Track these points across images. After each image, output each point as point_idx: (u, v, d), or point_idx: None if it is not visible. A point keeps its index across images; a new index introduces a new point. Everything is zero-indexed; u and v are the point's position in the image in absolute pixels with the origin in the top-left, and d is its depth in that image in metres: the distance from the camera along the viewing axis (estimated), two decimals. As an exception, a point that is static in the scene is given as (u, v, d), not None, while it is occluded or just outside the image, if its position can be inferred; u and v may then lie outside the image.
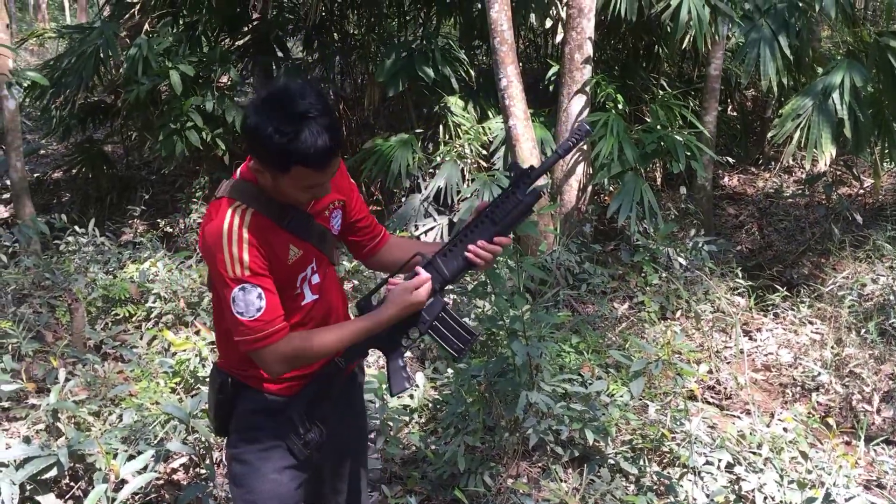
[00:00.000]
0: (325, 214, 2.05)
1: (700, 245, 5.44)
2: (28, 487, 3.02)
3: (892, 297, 4.89)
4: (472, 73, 7.13)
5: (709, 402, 4.15)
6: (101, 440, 3.17)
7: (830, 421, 3.65)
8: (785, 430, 3.62)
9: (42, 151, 9.76)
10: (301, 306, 2.00)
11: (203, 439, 3.36)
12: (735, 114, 8.70)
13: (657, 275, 5.11)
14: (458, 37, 8.16)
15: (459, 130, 6.75)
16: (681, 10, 5.59)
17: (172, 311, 4.89)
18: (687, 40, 5.94)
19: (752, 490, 3.14)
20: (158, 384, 3.88)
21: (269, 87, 1.80)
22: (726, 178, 8.14)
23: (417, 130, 7.08)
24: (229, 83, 7.38)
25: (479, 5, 7.10)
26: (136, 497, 3.23)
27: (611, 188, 6.69)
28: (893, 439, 3.77)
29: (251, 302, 1.82)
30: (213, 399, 2.08)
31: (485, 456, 3.41)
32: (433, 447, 3.47)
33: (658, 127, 5.94)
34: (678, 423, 3.52)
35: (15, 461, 2.99)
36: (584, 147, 5.92)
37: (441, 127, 6.87)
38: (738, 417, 3.93)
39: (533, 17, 7.05)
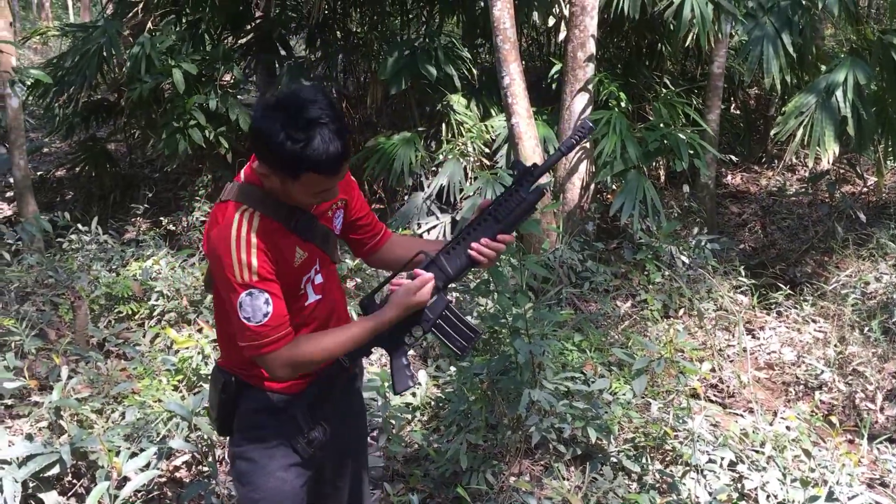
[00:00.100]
0: (328, 215, 2.05)
1: (703, 243, 5.44)
2: (31, 485, 3.03)
3: (895, 296, 4.88)
4: (475, 71, 7.13)
5: (711, 401, 4.15)
6: (104, 438, 3.18)
7: (833, 419, 3.64)
8: (788, 428, 3.61)
9: (45, 149, 9.77)
10: (304, 307, 2.00)
11: (205, 437, 3.37)
12: (738, 112, 8.68)
13: (660, 273, 5.10)
14: (461, 35, 8.14)
15: (462, 128, 6.75)
16: (684, 8, 5.58)
17: (175, 308, 4.90)
18: (690, 38, 5.93)
19: (755, 488, 3.14)
20: (161, 382, 3.88)
21: (278, 92, 1.79)
22: (729, 177, 8.13)
23: (420, 128, 7.07)
24: (232, 81, 7.38)
25: (482, 3, 7.10)
26: (139, 494, 3.24)
27: (614, 186, 6.69)
28: (897, 438, 3.76)
29: (258, 307, 1.82)
30: (215, 398, 2.08)
31: (487, 454, 3.41)
32: (435, 445, 3.47)
33: (661, 125, 5.93)
34: (681, 421, 3.52)
35: (18, 458, 3.00)
36: (587, 145, 5.91)
37: (444, 125, 6.86)
38: (741, 416, 3.92)
39: (536, 14, 7.04)
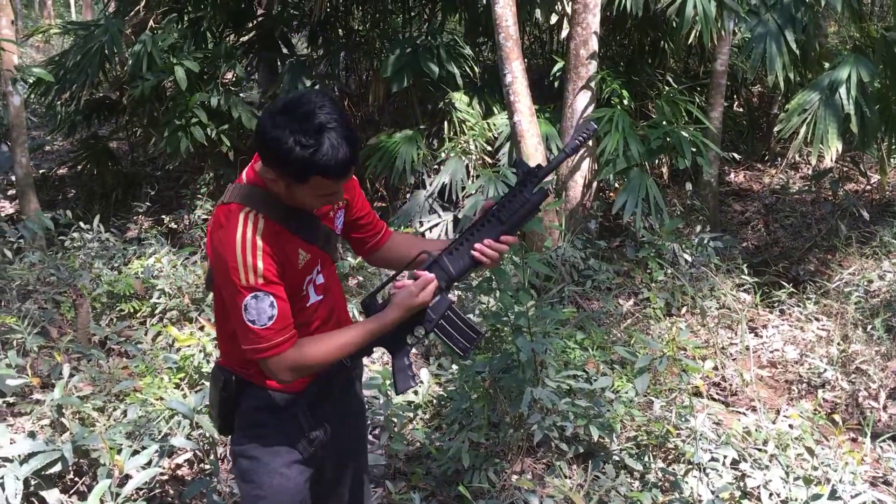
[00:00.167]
0: (329, 215, 2.05)
1: (706, 241, 5.42)
2: (32, 482, 3.03)
3: (898, 294, 4.87)
4: (477, 69, 7.12)
5: (714, 399, 4.14)
6: (106, 435, 3.18)
7: (836, 418, 3.63)
8: (791, 426, 3.61)
9: (47, 147, 9.78)
10: (306, 307, 2.00)
11: (207, 435, 3.36)
12: (741, 110, 8.66)
13: (662, 271, 5.09)
14: (463, 33, 8.13)
15: (464, 126, 6.74)
16: (686, 6, 5.56)
17: (177, 306, 4.90)
18: (693, 36, 5.91)
19: (758, 487, 3.13)
20: (163, 380, 3.88)
21: (284, 97, 1.79)
22: (732, 175, 8.12)
23: (422, 126, 7.06)
24: (234, 79, 7.38)
25: (484, 1, 7.09)
26: (141, 492, 3.23)
27: (616, 184, 6.67)
28: (900, 436, 3.75)
29: (263, 310, 1.82)
30: (216, 397, 2.08)
31: (489, 452, 3.40)
32: (437, 443, 3.47)
33: (664, 123, 5.92)
34: (683, 419, 3.51)
35: (19, 456, 3.00)
36: (590, 143, 5.90)
37: (446, 123, 6.86)
38: (744, 414, 3.92)
39: (538, 12, 7.02)
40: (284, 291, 1.87)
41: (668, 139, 5.76)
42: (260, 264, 1.80)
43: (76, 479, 3.26)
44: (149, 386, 3.74)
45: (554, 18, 7.05)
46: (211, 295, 2.00)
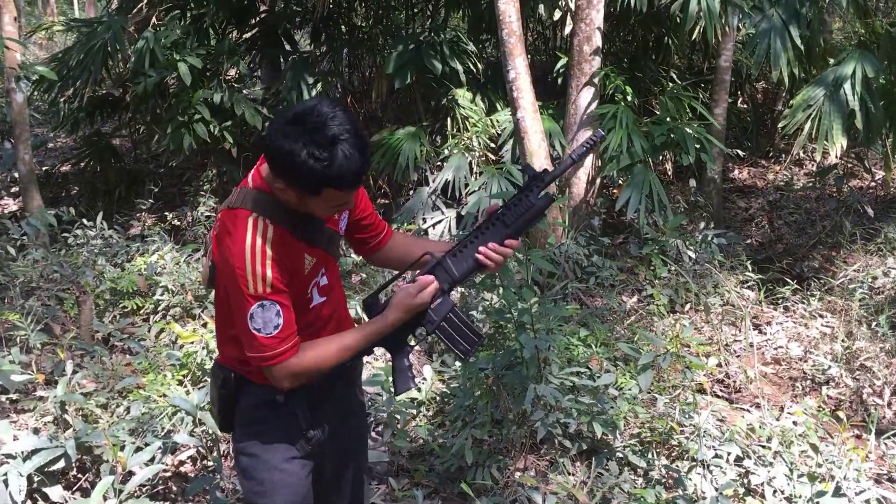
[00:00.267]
0: (334, 217, 2.05)
1: (710, 238, 5.41)
2: (36, 479, 3.03)
3: (903, 291, 4.86)
4: (480, 65, 7.10)
5: (718, 396, 4.13)
6: (109, 432, 3.18)
7: (841, 414, 3.62)
8: (795, 423, 3.59)
9: (50, 144, 9.78)
10: (310, 309, 2.00)
11: (210, 432, 3.36)
12: (745, 106, 8.64)
13: (666, 268, 5.08)
14: (466, 29, 8.12)
15: (467, 123, 6.73)
16: (690, 2, 5.54)
17: (180, 303, 4.90)
18: (697, 31, 5.89)
19: (762, 483, 3.12)
20: (166, 376, 3.88)
21: (293, 107, 1.77)
22: (736, 171, 8.10)
23: (425, 123, 7.05)
24: (237, 76, 7.38)
25: (488, -3, 7.07)
26: (144, 489, 3.24)
27: (620, 181, 6.66)
28: (905, 433, 3.74)
29: (269, 319, 1.82)
30: (215, 395, 2.08)
31: (492, 449, 3.40)
32: (440, 440, 3.47)
33: (667, 119, 5.90)
34: (687, 416, 3.50)
35: (23, 453, 3.00)
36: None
37: (449, 119, 6.84)
38: (748, 411, 3.91)
39: (542, 8, 7.01)
40: (290, 299, 1.87)
41: (671, 135, 5.74)
42: (269, 273, 1.80)
43: (79, 475, 3.26)
44: (152, 383, 3.74)
45: (557, 14, 7.03)
46: (213, 292, 1.99)
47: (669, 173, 7.19)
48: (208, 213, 6.60)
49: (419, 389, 3.79)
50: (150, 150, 8.42)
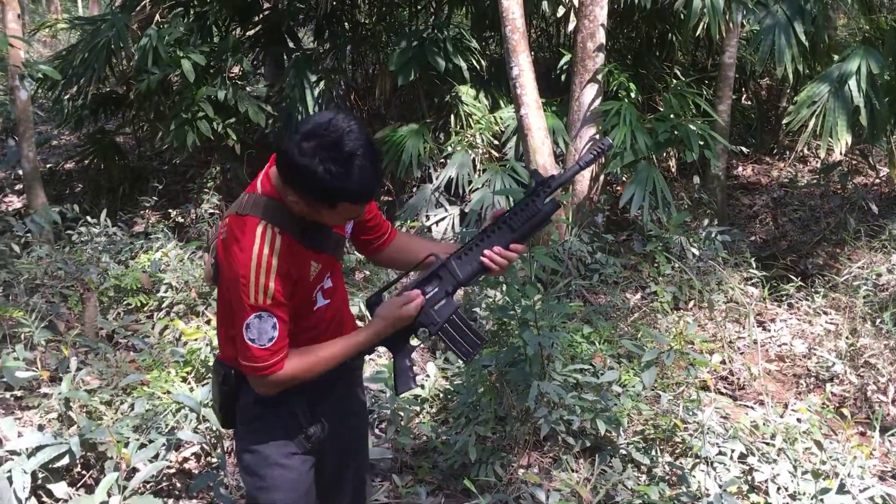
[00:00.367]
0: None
1: (713, 235, 5.40)
2: (40, 475, 3.04)
3: (908, 287, 4.84)
4: (484, 62, 7.09)
5: (722, 393, 4.13)
6: (113, 429, 3.18)
7: (845, 411, 3.62)
8: (799, 420, 3.59)
9: (54, 142, 9.79)
10: (314, 311, 2.01)
11: (214, 428, 3.37)
12: (749, 103, 8.62)
13: (670, 265, 5.07)
14: (470, 26, 8.11)
15: (471, 120, 6.72)
16: (694, -2, 5.53)
17: (184, 300, 4.90)
18: (701, 28, 5.87)
19: (766, 481, 3.12)
20: (170, 373, 3.89)
21: (308, 120, 1.76)
22: (740, 168, 8.08)
23: (428, 120, 7.05)
24: (241, 73, 7.38)
25: (491, -6, 7.06)
26: (148, 485, 3.24)
27: (623, 177, 6.65)
28: (909, 430, 3.73)
29: (265, 331, 1.84)
30: (216, 392, 2.09)
31: (496, 446, 3.40)
32: (444, 437, 3.47)
33: (671, 116, 5.89)
34: (691, 413, 3.50)
35: (27, 449, 3.01)
36: (597, 136, 5.88)
37: (452, 116, 6.84)
38: (752, 408, 3.90)
39: (545, 5, 6.99)
40: (288, 311, 1.88)
41: (675, 132, 5.73)
42: (272, 285, 1.81)
43: (83, 472, 3.27)
44: (156, 380, 3.75)
45: (561, 11, 7.02)
46: (216, 289, 1.99)
47: (673, 170, 7.18)
48: (212, 211, 6.61)
49: (422, 387, 3.79)
50: (154, 147, 8.42)
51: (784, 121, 6.16)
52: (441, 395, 3.83)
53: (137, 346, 4.38)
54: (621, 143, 5.56)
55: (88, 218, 5.95)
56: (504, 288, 3.47)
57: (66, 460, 3.04)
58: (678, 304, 4.95)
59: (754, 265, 5.37)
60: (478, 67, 6.92)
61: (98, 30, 6.98)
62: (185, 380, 3.91)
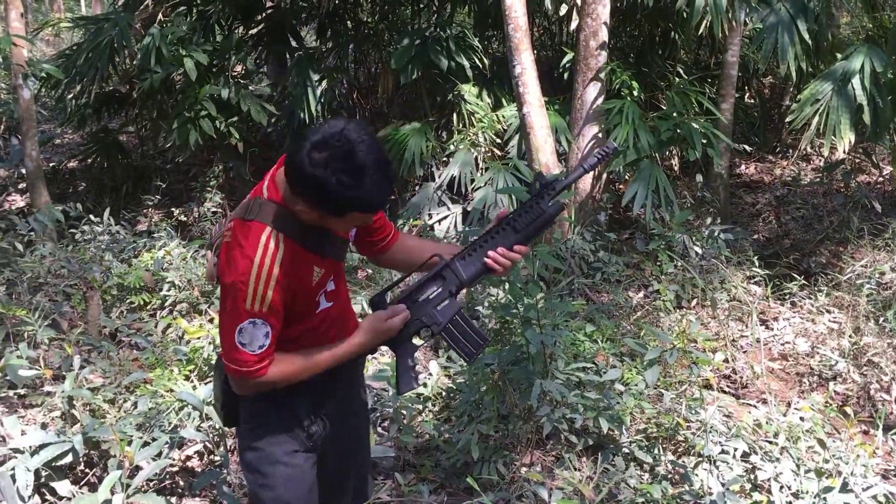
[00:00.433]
0: None
1: (716, 233, 5.39)
2: (43, 473, 3.05)
3: (911, 286, 4.83)
4: (486, 60, 7.09)
5: (724, 392, 4.12)
6: (116, 427, 3.19)
7: (848, 410, 3.61)
8: (802, 419, 3.58)
9: (57, 141, 9.81)
10: (316, 314, 2.01)
11: (217, 426, 3.37)
12: (752, 101, 8.60)
13: (673, 263, 5.07)
14: (472, 24, 8.11)
15: (473, 118, 6.72)
16: (697, -4, 5.52)
17: (187, 299, 4.91)
18: (703, 26, 5.87)
19: (769, 479, 3.11)
20: (173, 372, 3.89)
21: (319, 130, 1.75)
22: (743, 166, 8.07)
23: (431, 119, 7.05)
24: (244, 72, 7.38)
25: (493, -8, 7.05)
26: (151, 483, 3.25)
27: (626, 176, 6.64)
28: (912, 429, 3.72)
29: (257, 337, 1.84)
30: (219, 390, 2.10)
31: (498, 444, 3.40)
32: (447, 435, 3.47)
33: (674, 114, 5.88)
34: (693, 412, 3.50)
35: (31, 448, 3.02)
36: (600, 135, 5.87)
37: (455, 115, 6.84)
38: (755, 406, 3.90)
39: (548, 3, 6.98)
40: (282, 319, 1.89)
41: (678, 131, 5.72)
42: (270, 295, 1.81)
43: (87, 470, 3.27)
44: (159, 378, 3.76)
45: (564, 9, 7.01)
46: (220, 288, 1.99)
47: (676, 168, 7.17)
48: (215, 209, 6.61)
49: (425, 385, 3.79)
50: (157, 145, 8.44)
51: (787, 119, 6.15)
52: (444, 393, 3.83)
53: (140, 345, 4.39)
54: (624, 142, 5.55)
55: (91, 216, 5.96)
56: (507, 286, 3.46)
57: (69, 458, 3.05)
58: (681, 302, 4.95)
59: (757, 263, 5.36)
60: (480, 66, 6.92)
61: (101, 29, 6.99)
62: (187, 378, 3.91)
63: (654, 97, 7.11)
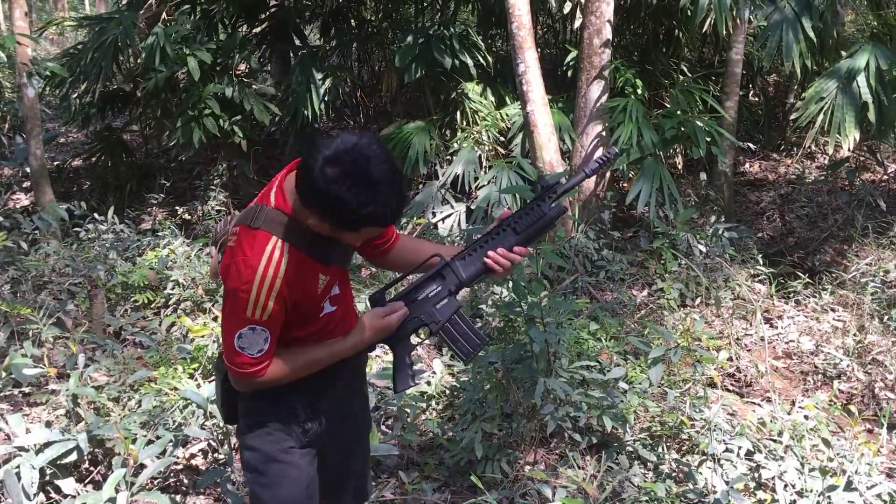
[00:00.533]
0: None
1: (720, 231, 5.38)
2: (48, 471, 3.05)
3: (916, 284, 4.82)
4: (490, 58, 7.09)
5: (729, 390, 4.12)
6: (121, 425, 3.20)
7: (852, 408, 3.60)
8: (806, 417, 3.58)
9: (62, 139, 9.83)
10: (320, 318, 2.01)
11: (221, 424, 3.38)
12: (757, 99, 8.59)
13: (677, 262, 5.06)
14: (476, 22, 8.11)
15: (477, 117, 6.72)
16: (701, -6, 5.51)
17: (191, 297, 4.92)
18: (708, 24, 5.85)
19: (773, 478, 3.11)
20: (177, 370, 3.90)
21: (333, 144, 1.73)
22: (747, 165, 8.06)
23: (434, 117, 7.05)
24: (247, 71, 7.39)
25: (497, -10, 7.05)
26: (155, 481, 3.25)
27: (630, 174, 6.64)
28: (917, 428, 3.71)
29: (256, 342, 1.86)
30: (219, 387, 2.11)
31: (502, 443, 3.40)
32: (450, 434, 3.47)
33: (678, 112, 5.87)
34: (697, 410, 3.49)
35: (35, 446, 3.02)
36: (604, 133, 5.87)
37: (458, 113, 6.84)
38: (759, 405, 3.89)
39: (551, 1, 6.99)
40: (279, 328, 1.90)
41: (682, 129, 5.71)
42: (271, 304, 1.82)
43: (91, 468, 3.28)
44: (163, 376, 3.76)
45: (567, 7, 7.00)
46: (223, 287, 1.99)
47: (680, 167, 7.16)
48: (219, 208, 6.62)
49: (428, 383, 3.80)
50: (161, 144, 8.46)
51: (791, 117, 6.15)
52: (447, 391, 3.83)
53: (145, 343, 4.39)
54: (628, 140, 5.55)
55: (96, 215, 5.97)
56: (510, 285, 3.46)
57: (73, 456, 3.06)
58: (685, 300, 4.95)
59: (761, 262, 5.35)
60: (484, 64, 6.92)
61: (105, 28, 7.00)
62: (192, 376, 3.92)
63: (658, 95, 7.10)
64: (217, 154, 7.29)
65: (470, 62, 6.66)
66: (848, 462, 3.17)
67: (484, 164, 6.52)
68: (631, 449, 3.36)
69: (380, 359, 4.19)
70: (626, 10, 7.00)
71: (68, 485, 3.08)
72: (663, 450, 3.33)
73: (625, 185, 6.87)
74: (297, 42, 7.93)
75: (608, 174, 6.02)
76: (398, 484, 3.28)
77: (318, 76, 7.09)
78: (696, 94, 6.13)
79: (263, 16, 8.03)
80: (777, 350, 4.58)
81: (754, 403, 3.94)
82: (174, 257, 5.25)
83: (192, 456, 3.50)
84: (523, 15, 5.59)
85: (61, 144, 9.75)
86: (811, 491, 2.98)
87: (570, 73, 6.58)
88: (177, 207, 6.95)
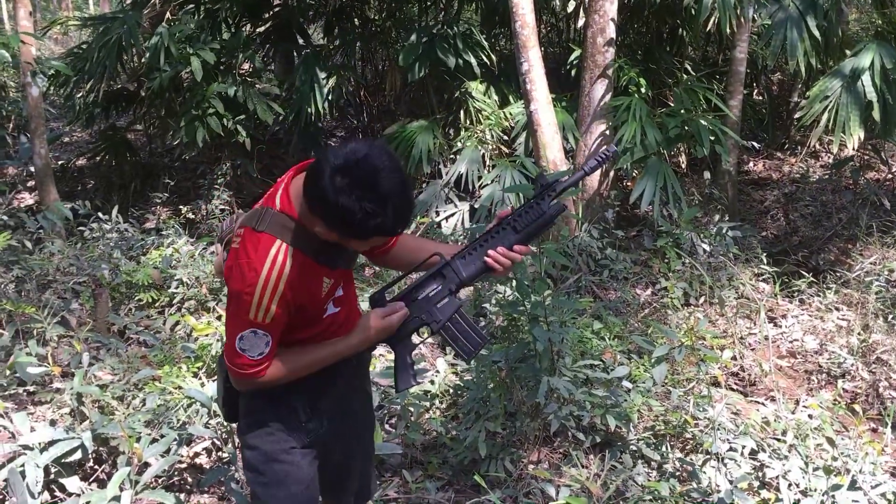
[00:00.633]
0: None
1: (724, 230, 5.38)
2: (53, 470, 3.06)
3: (921, 283, 4.81)
4: (494, 57, 7.09)
5: (732, 389, 4.11)
6: (125, 424, 3.20)
7: (857, 408, 3.60)
8: (810, 416, 3.58)
9: (66, 139, 9.85)
10: (324, 319, 2.02)
11: (225, 423, 3.38)
12: (761, 98, 8.57)
13: (680, 260, 5.06)
14: (479, 22, 8.10)
15: (480, 116, 6.72)
16: (705, -8, 5.50)
17: (195, 296, 4.92)
18: (712, 22, 5.85)
19: (777, 477, 3.11)
20: (181, 369, 3.90)
21: (342, 153, 1.73)
22: (751, 163, 8.04)
23: (438, 116, 7.05)
24: (251, 70, 7.40)
25: (501, -11, 7.04)
26: (159, 480, 3.26)
27: (634, 173, 6.63)
28: (922, 427, 3.70)
29: (257, 345, 1.87)
30: (221, 386, 2.11)
31: (506, 442, 3.40)
32: (454, 433, 3.47)
33: (682, 111, 5.86)
34: (701, 409, 3.49)
35: (40, 444, 3.03)
36: (607, 132, 5.86)
37: (462, 112, 6.84)
38: (763, 404, 3.89)
39: (555, 0, 6.99)
40: (280, 332, 1.90)
41: (686, 128, 5.71)
42: (273, 308, 1.82)
43: (96, 466, 3.29)
44: (167, 375, 3.77)
45: (571, 6, 7.00)
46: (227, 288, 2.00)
47: (684, 165, 7.15)
48: (222, 207, 6.63)
49: (432, 382, 3.80)
50: (165, 143, 8.48)
51: (796, 116, 6.13)
52: (451, 390, 3.83)
53: (149, 342, 4.40)
54: (631, 139, 5.54)
55: (100, 214, 5.98)
56: (514, 283, 3.46)
57: (78, 455, 3.06)
58: (689, 299, 4.94)
59: (765, 261, 5.34)
60: (487, 63, 6.92)
61: (109, 27, 7.02)
62: (196, 375, 3.92)
63: (661, 94, 7.09)
64: (221, 153, 7.30)
65: (473, 61, 6.66)
66: (852, 461, 3.17)
67: (487, 162, 6.51)
68: (634, 448, 3.35)
69: (383, 358, 4.20)
70: (630, 8, 6.99)
71: (73, 483, 3.08)
72: (667, 449, 3.32)
73: (628, 183, 6.86)
74: (301, 41, 7.94)
75: (612, 173, 6.02)
76: (402, 483, 3.29)
77: (322, 75, 7.09)
78: (700, 92, 6.12)
79: (267, 15, 8.03)
80: (781, 349, 4.57)
81: (758, 402, 3.93)
82: (178, 256, 5.26)
83: (196, 454, 3.51)
84: (527, 14, 5.58)
85: (65, 144, 9.77)
86: (815, 490, 2.98)
87: (573, 72, 6.58)
88: (181, 206, 6.96)
